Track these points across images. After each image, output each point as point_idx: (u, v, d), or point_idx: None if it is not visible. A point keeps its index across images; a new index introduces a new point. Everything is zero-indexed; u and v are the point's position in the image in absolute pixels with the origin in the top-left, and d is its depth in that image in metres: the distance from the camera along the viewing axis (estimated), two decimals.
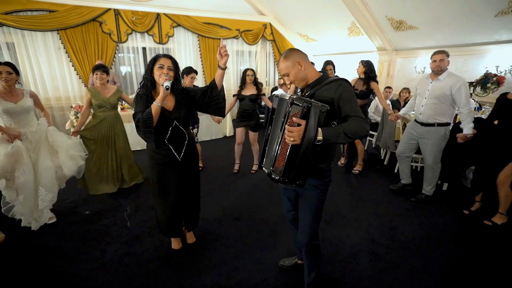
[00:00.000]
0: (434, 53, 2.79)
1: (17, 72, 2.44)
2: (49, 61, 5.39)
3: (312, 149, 1.26)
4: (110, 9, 5.57)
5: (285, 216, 1.92)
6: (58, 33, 5.31)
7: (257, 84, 3.64)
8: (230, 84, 7.22)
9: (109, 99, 3.06)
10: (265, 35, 7.43)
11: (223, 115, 2.08)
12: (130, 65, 6.21)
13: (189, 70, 3.57)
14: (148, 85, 1.87)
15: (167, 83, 1.74)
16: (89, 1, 5.36)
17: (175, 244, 2.30)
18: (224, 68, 1.90)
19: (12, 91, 2.43)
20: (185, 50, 6.60)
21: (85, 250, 2.29)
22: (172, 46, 6.49)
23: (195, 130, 3.75)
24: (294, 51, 1.49)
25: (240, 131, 3.76)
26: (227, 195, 3.28)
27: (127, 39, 5.89)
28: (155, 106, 1.76)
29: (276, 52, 7.78)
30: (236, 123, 3.78)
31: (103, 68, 3.01)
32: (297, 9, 6.40)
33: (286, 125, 1.30)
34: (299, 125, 1.26)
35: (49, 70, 5.44)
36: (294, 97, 1.31)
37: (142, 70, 6.24)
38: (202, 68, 6.87)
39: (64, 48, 5.41)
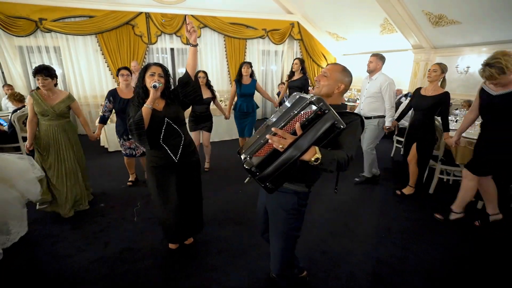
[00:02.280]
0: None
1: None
2: (88, 62, 5.89)
3: (293, 162, 1.05)
4: (141, 12, 5.89)
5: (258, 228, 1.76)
6: (96, 37, 5.77)
7: (210, 86, 3.77)
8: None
9: (53, 107, 2.61)
10: (292, 34, 7.27)
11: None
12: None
13: (118, 70, 3.43)
14: (140, 93, 1.91)
15: (155, 83, 1.79)
16: (123, 6, 5.74)
17: (172, 244, 2.34)
18: (195, 45, 1.91)
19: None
20: (211, 51, 6.73)
21: (91, 241, 2.44)
22: (199, 47, 6.66)
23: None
24: (348, 73, 1.38)
25: (195, 134, 3.79)
26: (233, 197, 3.26)
27: (156, 41, 6.19)
28: (145, 108, 1.80)
29: (303, 52, 7.56)
30: (190, 126, 3.72)
31: (46, 71, 2.49)
32: (325, 7, 6.13)
33: (286, 123, 1.11)
34: (295, 133, 1.05)
35: (88, 70, 5.94)
36: (317, 96, 1.09)
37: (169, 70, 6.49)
38: (228, 68, 6.95)
39: (101, 50, 5.87)
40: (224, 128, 5.61)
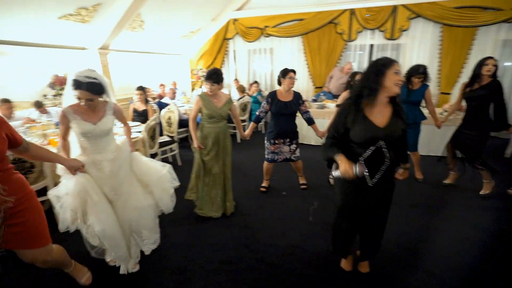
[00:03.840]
0: None
1: (100, 92, 1.79)
2: (291, 60, 6.66)
3: None
4: (346, 10, 5.82)
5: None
6: (301, 37, 6.39)
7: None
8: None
9: (220, 109, 2.62)
10: None
11: None
12: (354, 62, 6.27)
13: (285, 72, 3.00)
14: (377, 89, 1.53)
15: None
16: (329, 6, 5.93)
17: (347, 265, 2.08)
18: None
19: (95, 108, 1.83)
20: (420, 45, 5.62)
21: (218, 249, 2.33)
22: (404, 41, 5.75)
23: (293, 147, 3.15)
24: None
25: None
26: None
27: (356, 37, 5.96)
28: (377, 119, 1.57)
29: None
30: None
31: (215, 77, 2.52)
32: None
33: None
34: None
35: (290, 67, 6.67)
36: None
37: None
38: (439, 66, 5.57)
39: (303, 49, 6.45)
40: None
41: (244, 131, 3.13)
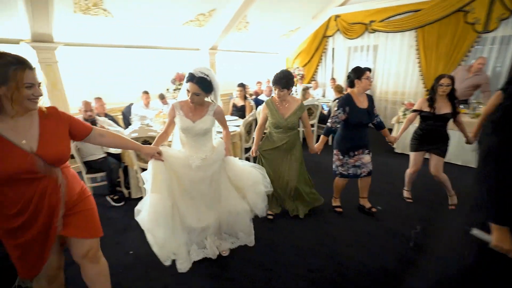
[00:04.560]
0: None
1: (208, 90, 1.83)
2: (400, 58, 5.89)
3: None
4: None
5: None
6: (415, 32, 5.53)
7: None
8: None
9: (287, 119, 2.41)
10: None
11: None
12: (490, 58, 4.97)
13: (360, 71, 2.45)
14: None
15: None
16: None
17: None
18: None
19: (197, 107, 1.89)
20: None
21: (301, 253, 2.31)
22: None
23: (366, 158, 2.63)
24: None
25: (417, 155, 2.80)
26: None
27: (496, 27, 4.71)
28: None
29: None
30: (411, 145, 2.85)
31: (283, 82, 2.30)
32: None
33: None
34: None
35: (397, 66, 5.98)
36: None
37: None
38: None
39: (416, 45, 5.57)
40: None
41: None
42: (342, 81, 6.62)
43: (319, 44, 6.97)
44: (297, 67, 7.07)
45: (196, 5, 4.38)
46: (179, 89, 3.50)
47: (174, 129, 1.97)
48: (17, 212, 1.18)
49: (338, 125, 2.54)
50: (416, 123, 2.90)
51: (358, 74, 2.43)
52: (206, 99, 1.88)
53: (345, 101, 2.47)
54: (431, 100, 2.65)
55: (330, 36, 6.78)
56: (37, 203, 1.21)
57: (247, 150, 3.74)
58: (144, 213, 1.62)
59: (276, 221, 2.70)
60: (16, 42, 3.42)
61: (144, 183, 1.79)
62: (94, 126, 1.49)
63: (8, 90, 1.02)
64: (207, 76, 1.78)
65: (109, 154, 3.21)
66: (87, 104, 3.08)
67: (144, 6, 3.87)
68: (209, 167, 1.89)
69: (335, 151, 2.69)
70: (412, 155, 2.89)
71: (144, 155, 1.73)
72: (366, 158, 2.64)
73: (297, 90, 6.17)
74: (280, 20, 5.95)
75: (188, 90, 1.79)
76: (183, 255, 1.81)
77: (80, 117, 3.08)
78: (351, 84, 2.53)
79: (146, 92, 4.36)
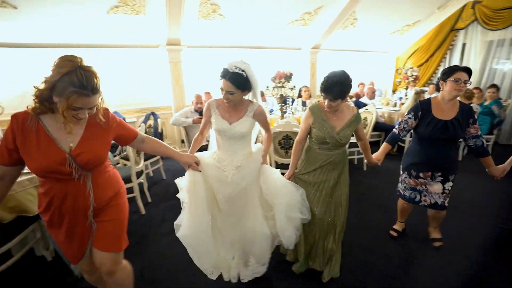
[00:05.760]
0: None
1: (244, 88, 1.56)
2: None
3: None
4: None
5: None
6: None
7: None
8: None
9: (338, 133, 1.69)
10: None
11: None
12: None
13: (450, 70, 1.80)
14: None
15: None
16: None
17: None
18: None
19: (236, 106, 1.65)
20: None
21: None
22: None
23: (447, 186, 1.97)
24: None
25: None
26: None
27: None
28: None
29: None
30: None
31: (337, 89, 1.60)
32: None
33: None
34: None
35: None
36: None
37: None
38: None
39: None
40: None
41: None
42: (473, 84, 5.32)
43: (443, 39, 5.81)
44: (411, 67, 6.11)
45: (303, 4, 4.35)
46: (279, 86, 3.55)
47: (210, 129, 1.77)
48: (45, 207, 1.21)
49: (406, 133, 2.03)
50: None
51: (446, 74, 1.86)
52: (245, 97, 1.63)
53: (420, 106, 1.97)
54: None
55: (462, 29, 5.54)
56: (61, 204, 1.19)
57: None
58: (185, 230, 1.53)
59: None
60: (156, 46, 4.28)
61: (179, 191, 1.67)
62: (139, 132, 1.44)
63: (60, 103, 1.07)
64: (243, 71, 1.51)
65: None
66: (198, 97, 3.50)
67: (254, 7, 4.11)
68: (243, 178, 1.63)
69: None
70: None
71: (182, 164, 1.60)
72: (435, 187, 1.98)
73: (407, 94, 5.34)
74: (396, 13, 5.24)
75: (221, 89, 1.55)
76: (225, 268, 1.70)
77: (191, 108, 3.54)
78: (437, 87, 2.00)
79: (207, 93, 4.72)
